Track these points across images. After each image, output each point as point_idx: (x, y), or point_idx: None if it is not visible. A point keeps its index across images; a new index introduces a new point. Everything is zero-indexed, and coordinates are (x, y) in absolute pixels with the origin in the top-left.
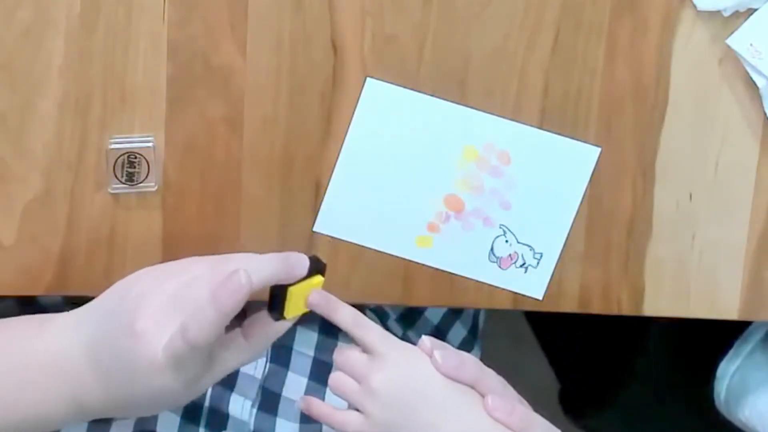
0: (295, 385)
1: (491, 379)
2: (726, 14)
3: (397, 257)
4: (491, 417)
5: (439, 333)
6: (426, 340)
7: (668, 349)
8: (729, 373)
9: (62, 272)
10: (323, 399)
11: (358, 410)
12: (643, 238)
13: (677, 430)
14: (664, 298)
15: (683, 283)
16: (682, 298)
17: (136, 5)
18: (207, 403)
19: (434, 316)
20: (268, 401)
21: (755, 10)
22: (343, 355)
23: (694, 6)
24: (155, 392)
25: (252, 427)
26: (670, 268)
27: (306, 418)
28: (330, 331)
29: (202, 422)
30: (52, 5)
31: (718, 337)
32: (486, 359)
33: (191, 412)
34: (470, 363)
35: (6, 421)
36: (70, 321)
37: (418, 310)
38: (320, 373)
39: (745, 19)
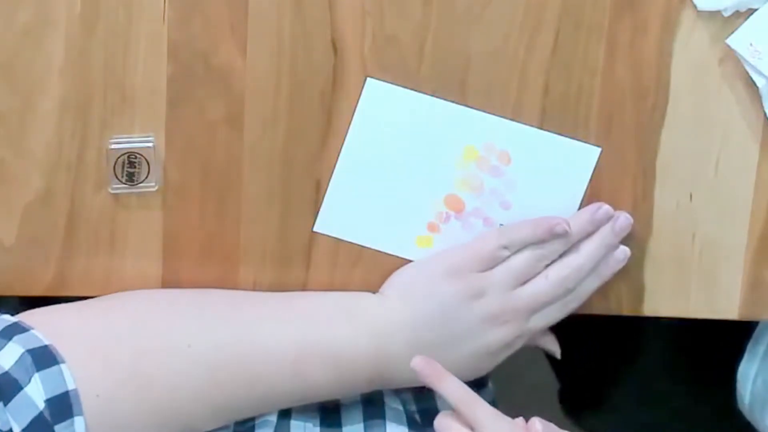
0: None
1: None
2: (726, 14)
3: (398, 257)
4: None
5: None
6: (537, 423)
7: (669, 349)
8: (750, 377)
9: (62, 272)
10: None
11: None
12: (643, 238)
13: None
14: (664, 298)
15: (683, 283)
16: (682, 298)
17: (136, 5)
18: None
19: None
20: (330, 420)
21: (755, 10)
22: (446, 424)
23: (694, 6)
24: (492, 364)
25: None
26: (670, 268)
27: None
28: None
29: None
30: (52, 5)
31: (718, 336)
32: None
33: None
34: None
35: (307, 393)
36: (389, 317)
37: None
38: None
39: (745, 19)
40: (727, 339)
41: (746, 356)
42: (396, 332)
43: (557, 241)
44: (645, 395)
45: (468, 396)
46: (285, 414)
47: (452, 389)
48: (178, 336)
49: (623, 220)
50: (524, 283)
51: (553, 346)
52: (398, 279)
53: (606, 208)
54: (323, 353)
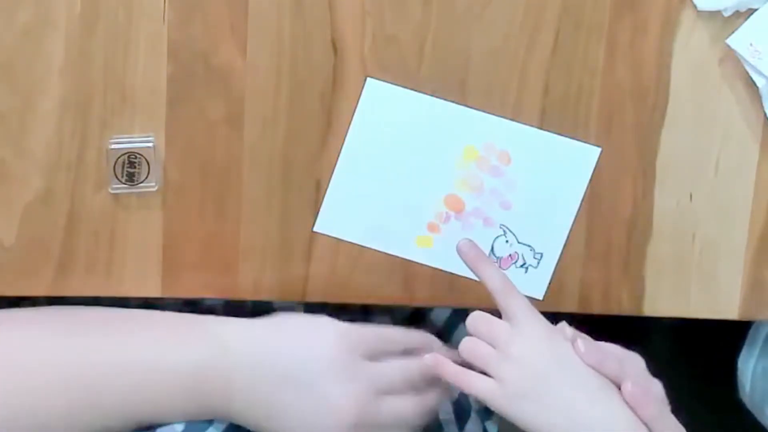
0: None
1: (630, 371)
2: (726, 14)
3: (398, 257)
4: (628, 404)
5: (444, 335)
6: (566, 327)
7: (669, 348)
8: (750, 364)
9: (62, 272)
10: None
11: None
12: (643, 238)
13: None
14: (664, 298)
15: (683, 283)
16: (682, 298)
17: (136, 5)
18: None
19: (439, 318)
20: None
21: (755, 10)
22: (482, 320)
23: (694, 6)
24: None
25: None
26: (670, 268)
27: None
28: None
29: None
30: (52, 5)
31: (718, 335)
32: None
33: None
34: (611, 359)
35: (122, 414)
36: (253, 343)
37: (423, 311)
38: None
39: (745, 19)
40: (727, 339)
41: (746, 344)
42: (250, 365)
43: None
44: None
45: (506, 285)
46: None
47: (491, 275)
48: (18, 353)
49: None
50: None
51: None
52: (287, 317)
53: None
54: (169, 372)
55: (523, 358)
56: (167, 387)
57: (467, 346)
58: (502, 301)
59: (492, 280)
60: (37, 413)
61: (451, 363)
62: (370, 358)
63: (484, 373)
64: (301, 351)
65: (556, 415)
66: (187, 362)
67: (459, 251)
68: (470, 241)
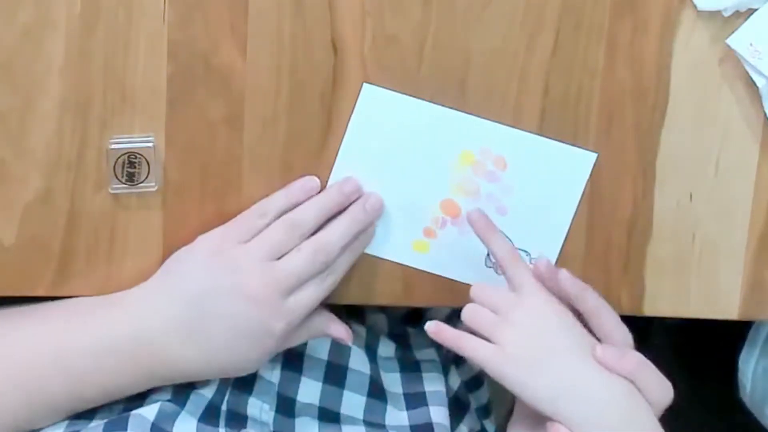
0: (309, 389)
1: (607, 316)
2: (726, 14)
3: (394, 262)
4: (600, 364)
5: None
6: (543, 261)
7: (669, 348)
8: (751, 364)
9: (62, 272)
10: (339, 402)
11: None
12: (643, 238)
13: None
14: (664, 298)
15: (683, 283)
16: (682, 298)
17: (136, 5)
18: (225, 407)
19: (437, 317)
20: (285, 406)
21: (755, 10)
22: (486, 288)
23: (694, 6)
24: (257, 352)
25: (272, 428)
26: (670, 268)
27: (325, 417)
28: None
29: (222, 423)
30: (52, 5)
31: (719, 336)
32: None
33: (209, 415)
34: (591, 295)
35: (81, 395)
36: (147, 297)
37: (420, 311)
38: (334, 376)
39: (745, 19)
40: (727, 339)
41: (746, 344)
42: (153, 313)
43: (309, 207)
44: None
45: (513, 255)
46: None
47: (499, 245)
48: None
49: (374, 200)
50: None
51: (337, 331)
52: (167, 262)
53: (353, 181)
54: (83, 344)
55: (523, 324)
56: (108, 367)
57: (469, 311)
58: (509, 270)
59: (500, 249)
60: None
61: (451, 328)
62: (246, 238)
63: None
64: (193, 285)
65: (553, 380)
66: (117, 338)
67: (469, 220)
68: (480, 210)
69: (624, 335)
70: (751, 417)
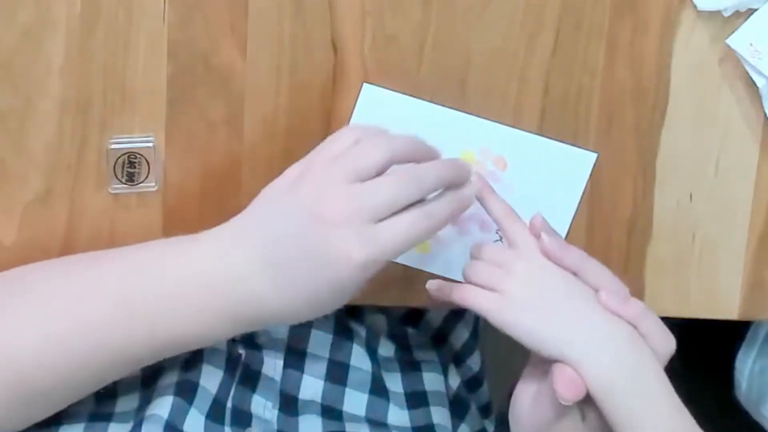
0: (311, 387)
1: (596, 269)
2: (726, 14)
3: (394, 262)
4: (604, 308)
5: (442, 335)
6: (538, 217)
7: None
8: (748, 363)
9: None
10: (342, 399)
11: None
12: (643, 238)
13: None
14: (664, 298)
15: (683, 283)
16: (682, 298)
17: (136, 5)
18: (230, 404)
19: (436, 318)
20: (288, 404)
21: (755, 10)
22: (486, 246)
23: (694, 6)
24: (335, 288)
25: (276, 426)
26: (670, 268)
27: (328, 415)
28: (345, 332)
29: (227, 420)
30: (52, 5)
31: (720, 335)
32: (487, 360)
33: (215, 412)
34: (574, 252)
35: (161, 342)
36: (226, 235)
37: (420, 312)
38: (336, 374)
39: (745, 19)
40: (727, 339)
41: (745, 343)
42: (231, 248)
43: (432, 166)
44: None
45: (510, 213)
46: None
47: (496, 204)
48: (7, 312)
49: (484, 187)
50: None
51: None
52: (252, 202)
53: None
54: (155, 287)
55: (524, 273)
56: (185, 309)
57: (470, 267)
58: (507, 228)
59: (497, 208)
60: (94, 353)
61: (451, 283)
62: (358, 180)
63: None
64: (273, 217)
65: (557, 324)
66: (193, 277)
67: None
68: (479, 173)
69: (622, 287)
70: (748, 417)
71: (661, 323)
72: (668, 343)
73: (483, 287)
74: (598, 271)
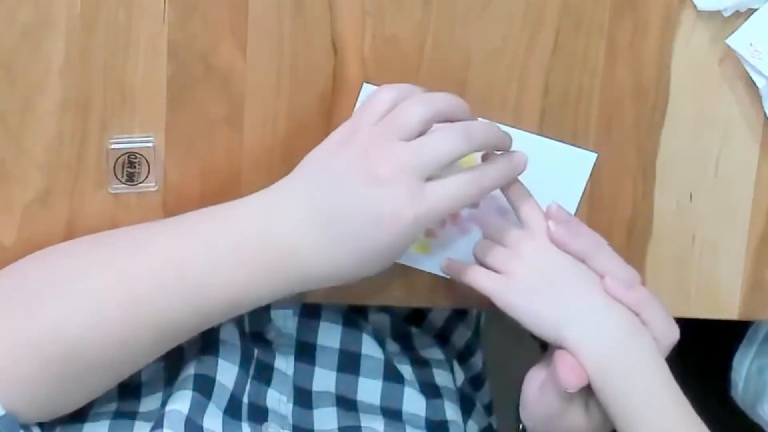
0: (324, 379)
1: (605, 256)
2: (726, 14)
3: (394, 262)
4: (608, 293)
5: (444, 334)
6: (553, 206)
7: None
8: (746, 363)
9: None
10: (356, 389)
11: None
12: (643, 238)
13: None
14: (664, 298)
15: (683, 283)
16: (682, 298)
17: (136, 5)
18: (246, 399)
19: (439, 318)
20: (302, 397)
21: (755, 10)
22: (497, 225)
23: (694, 6)
24: (383, 246)
25: (291, 421)
26: (670, 268)
27: (343, 405)
28: (353, 323)
29: (244, 416)
30: (52, 5)
31: (720, 335)
32: (488, 360)
33: (233, 408)
34: (583, 239)
35: (211, 303)
36: (275, 198)
37: (422, 312)
38: (348, 364)
39: (745, 19)
40: (727, 339)
41: (744, 343)
42: (277, 210)
43: (480, 125)
44: None
45: (527, 195)
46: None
47: (514, 183)
48: (54, 286)
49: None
50: None
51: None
52: (300, 164)
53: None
54: (202, 241)
55: (532, 256)
56: (252, 263)
57: (480, 245)
58: (520, 208)
59: (513, 187)
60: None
61: (461, 262)
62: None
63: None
64: (320, 176)
65: (557, 307)
66: (240, 240)
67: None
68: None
69: (631, 274)
70: (745, 417)
71: (665, 312)
72: (671, 333)
73: (490, 268)
74: (607, 258)
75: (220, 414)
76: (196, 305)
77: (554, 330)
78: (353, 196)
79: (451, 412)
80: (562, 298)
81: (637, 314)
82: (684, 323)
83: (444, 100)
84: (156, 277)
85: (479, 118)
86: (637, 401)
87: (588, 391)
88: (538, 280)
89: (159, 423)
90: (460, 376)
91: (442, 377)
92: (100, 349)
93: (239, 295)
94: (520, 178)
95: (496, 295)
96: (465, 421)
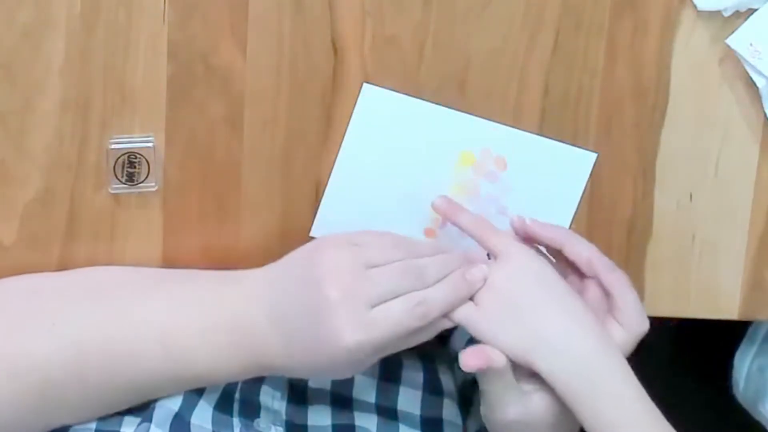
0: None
1: (582, 243)
2: (726, 14)
3: None
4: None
5: (444, 335)
6: (514, 216)
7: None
8: (747, 361)
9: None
10: (351, 386)
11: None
12: (643, 238)
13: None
14: (664, 298)
15: (683, 283)
16: (682, 298)
17: (136, 5)
18: (238, 395)
19: None
20: (297, 393)
21: (755, 10)
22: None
23: (694, 6)
24: (330, 361)
25: (284, 416)
26: (670, 268)
27: (337, 402)
28: None
29: (235, 411)
30: (52, 5)
31: (720, 335)
32: None
33: (224, 403)
34: (557, 228)
35: (179, 371)
36: (259, 281)
37: None
38: None
39: (745, 19)
40: (727, 338)
41: (744, 341)
42: (251, 293)
43: (434, 262)
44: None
45: (484, 224)
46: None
47: (468, 221)
48: (41, 317)
49: (478, 272)
50: None
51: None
52: (304, 247)
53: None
54: (187, 326)
55: (500, 285)
56: (214, 345)
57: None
58: (485, 241)
59: (470, 224)
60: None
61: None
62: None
63: None
64: (293, 276)
65: (524, 333)
66: (230, 317)
67: (434, 207)
68: (443, 198)
69: (610, 262)
70: (746, 416)
71: (639, 302)
72: (640, 324)
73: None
74: (584, 245)
75: (210, 409)
76: (170, 370)
77: (523, 356)
78: (307, 307)
79: (451, 411)
80: (530, 326)
81: (611, 296)
82: (686, 323)
83: (420, 248)
84: (139, 339)
85: (479, 119)
86: (610, 417)
87: (528, 394)
88: (507, 309)
89: (148, 418)
90: (460, 374)
91: (444, 376)
92: (77, 388)
93: (209, 368)
94: (520, 178)
95: (466, 324)
96: (464, 421)
